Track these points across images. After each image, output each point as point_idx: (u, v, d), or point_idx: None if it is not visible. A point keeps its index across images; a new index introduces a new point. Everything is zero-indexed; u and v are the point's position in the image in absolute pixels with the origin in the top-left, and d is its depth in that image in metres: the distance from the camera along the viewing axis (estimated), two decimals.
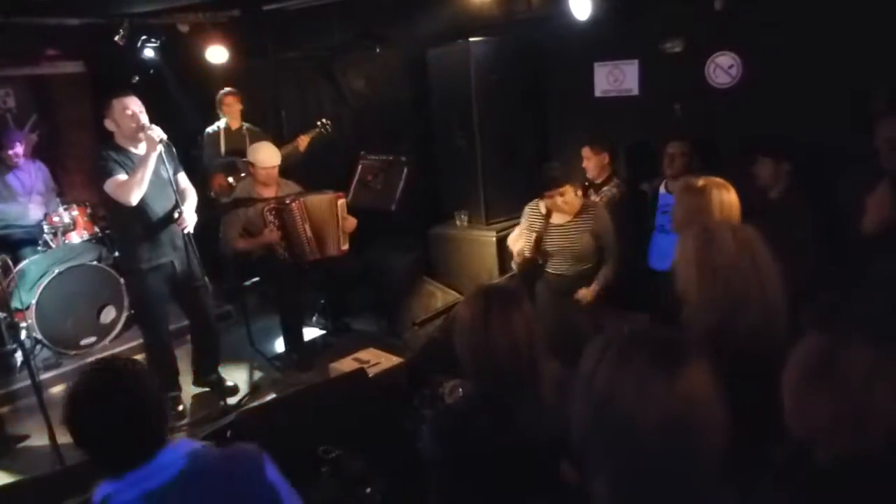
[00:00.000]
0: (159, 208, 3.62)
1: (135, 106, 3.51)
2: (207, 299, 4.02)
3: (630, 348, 1.19)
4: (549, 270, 3.78)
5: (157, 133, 3.43)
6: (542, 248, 3.69)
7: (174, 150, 3.76)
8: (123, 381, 1.41)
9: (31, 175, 5.07)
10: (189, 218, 3.64)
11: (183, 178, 3.85)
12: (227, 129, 5.51)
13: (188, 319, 4.14)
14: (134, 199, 3.44)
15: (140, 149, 3.53)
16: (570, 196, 3.56)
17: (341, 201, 4.63)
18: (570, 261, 3.68)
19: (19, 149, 4.94)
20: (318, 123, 5.43)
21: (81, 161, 6.21)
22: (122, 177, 3.45)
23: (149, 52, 5.39)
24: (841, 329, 1.40)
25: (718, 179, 2.45)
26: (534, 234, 3.69)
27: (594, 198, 4.14)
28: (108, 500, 1.36)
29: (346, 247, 4.65)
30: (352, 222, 4.68)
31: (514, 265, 3.93)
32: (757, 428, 1.64)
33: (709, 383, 1.18)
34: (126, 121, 3.49)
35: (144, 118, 3.50)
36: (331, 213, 4.57)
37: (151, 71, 5.58)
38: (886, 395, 1.31)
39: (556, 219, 3.68)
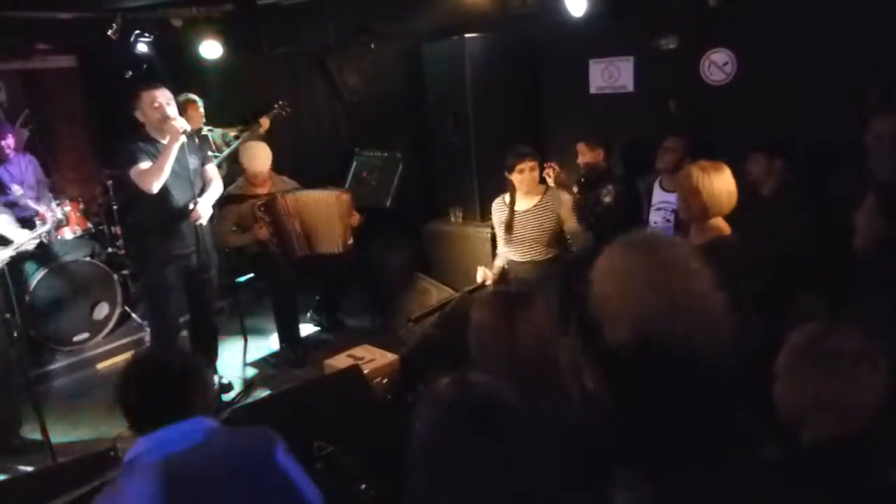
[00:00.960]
0: (182, 199, 3.66)
1: (162, 98, 3.58)
2: (212, 294, 4.03)
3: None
4: (517, 259, 3.86)
5: (181, 123, 3.49)
6: (510, 236, 3.88)
7: (197, 140, 3.82)
8: (175, 353, 1.78)
9: (22, 169, 5.02)
10: (203, 210, 3.67)
11: (211, 169, 3.90)
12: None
13: (189, 312, 4.12)
14: (155, 188, 3.49)
15: (168, 139, 3.58)
16: (536, 173, 3.81)
17: (347, 197, 4.62)
18: (538, 246, 3.81)
19: (10, 142, 4.91)
20: (276, 105, 5.43)
21: (73, 155, 6.17)
22: (146, 165, 3.51)
23: (142, 47, 5.35)
24: (832, 319, 1.48)
25: (711, 163, 2.49)
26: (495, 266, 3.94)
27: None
28: (137, 459, 1.53)
29: (350, 241, 4.63)
30: (357, 219, 4.68)
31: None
32: (697, 429, 1.62)
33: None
34: (152, 112, 3.55)
35: (171, 110, 3.57)
36: (330, 211, 4.54)
37: (144, 66, 5.54)
38: (870, 379, 1.38)
39: (521, 205, 3.86)
